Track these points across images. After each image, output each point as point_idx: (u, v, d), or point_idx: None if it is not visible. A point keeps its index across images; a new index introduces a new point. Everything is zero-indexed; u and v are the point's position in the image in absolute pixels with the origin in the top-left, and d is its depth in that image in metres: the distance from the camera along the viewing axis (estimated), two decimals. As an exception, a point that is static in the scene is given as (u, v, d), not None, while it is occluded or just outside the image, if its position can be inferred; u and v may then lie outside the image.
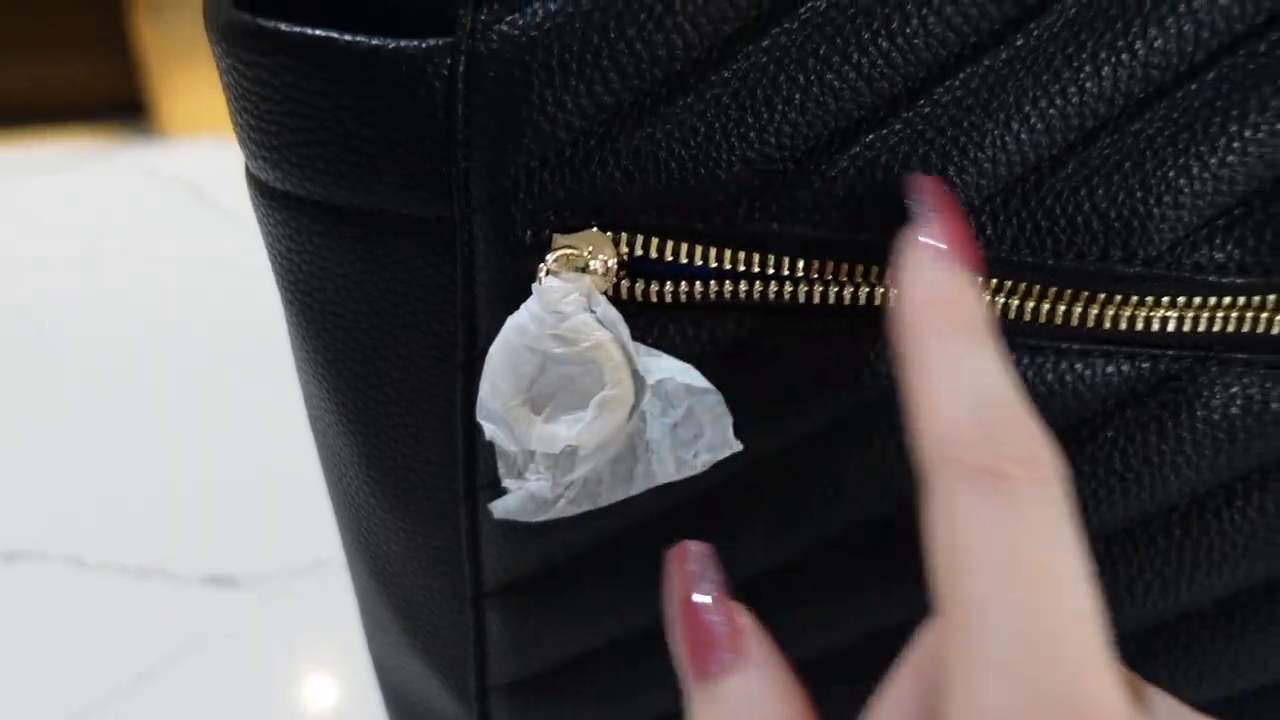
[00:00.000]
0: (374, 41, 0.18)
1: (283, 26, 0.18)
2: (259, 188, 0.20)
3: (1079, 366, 0.17)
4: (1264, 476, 0.18)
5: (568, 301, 0.17)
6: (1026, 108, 0.16)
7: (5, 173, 0.61)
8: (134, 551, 0.39)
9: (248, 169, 0.21)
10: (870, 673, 0.21)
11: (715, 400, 0.17)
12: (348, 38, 0.18)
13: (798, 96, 0.17)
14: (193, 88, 1.29)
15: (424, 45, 0.17)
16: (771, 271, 0.18)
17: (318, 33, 0.18)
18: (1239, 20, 0.16)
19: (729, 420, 0.17)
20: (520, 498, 0.19)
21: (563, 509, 0.19)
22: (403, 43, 0.17)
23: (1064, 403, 0.18)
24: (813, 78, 0.17)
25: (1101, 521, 0.18)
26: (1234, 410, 0.17)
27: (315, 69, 0.18)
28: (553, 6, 0.17)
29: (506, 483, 0.19)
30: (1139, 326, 0.17)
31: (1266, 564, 0.18)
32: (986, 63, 0.16)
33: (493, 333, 0.19)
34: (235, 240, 0.49)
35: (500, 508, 0.19)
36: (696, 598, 0.17)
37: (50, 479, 0.42)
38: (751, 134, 0.17)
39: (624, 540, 0.20)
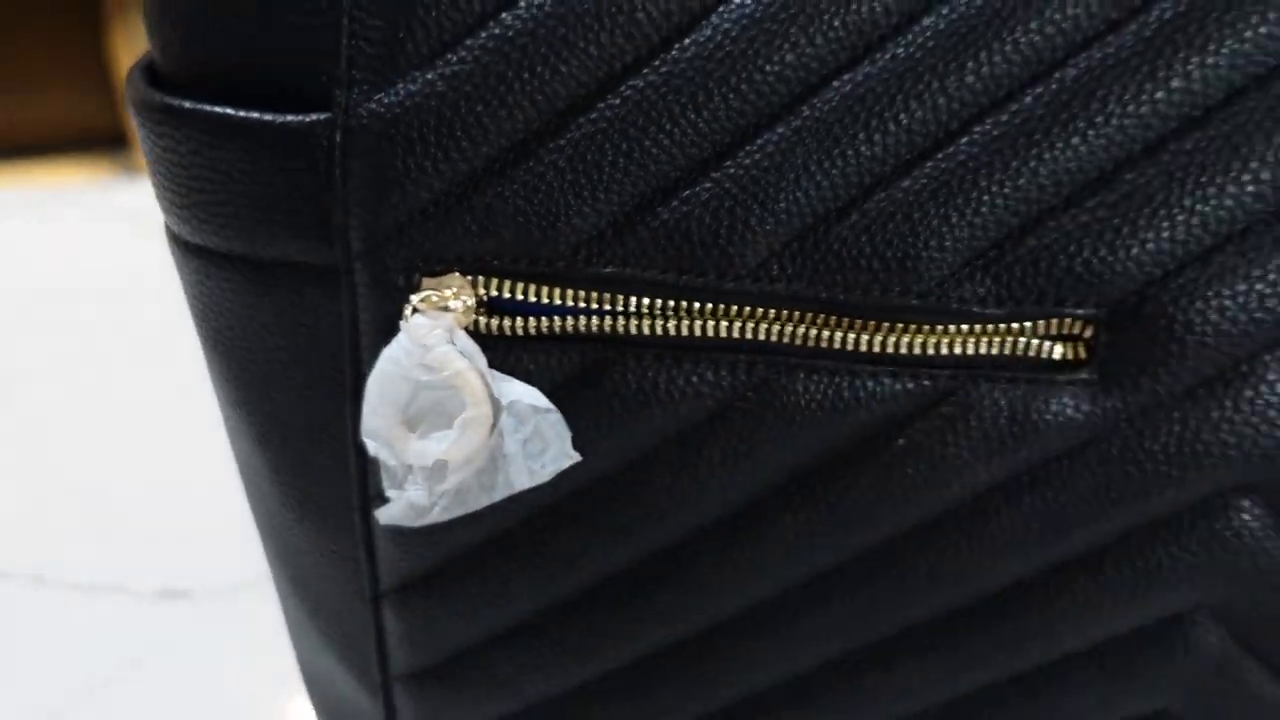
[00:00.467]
0: (265, 117, 0.21)
1: (187, 104, 0.21)
2: (174, 239, 0.23)
3: (870, 384, 0.20)
4: (1032, 479, 0.21)
5: (432, 336, 0.20)
6: (813, 168, 0.19)
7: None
8: (92, 569, 0.41)
9: (165, 223, 0.24)
10: (712, 665, 0.24)
11: (556, 418, 0.20)
12: (242, 114, 0.21)
13: (622, 160, 0.20)
14: None
15: (307, 120, 0.20)
16: (608, 308, 0.21)
17: (217, 109, 0.21)
18: (984, 95, 0.19)
19: (568, 435, 0.20)
20: (402, 506, 0.22)
21: (438, 515, 0.22)
22: (289, 118, 0.20)
23: (861, 416, 0.21)
24: (634, 144, 0.20)
25: (900, 519, 0.21)
26: (1001, 421, 0.20)
27: (215, 140, 0.21)
28: (413, 88, 0.20)
29: (390, 493, 0.22)
30: (918, 350, 0.20)
31: (1029, 559, 0.21)
32: (780, 130, 0.19)
33: (374, 364, 0.21)
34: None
35: (385, 515, 0.22)
36: None
37: (12, 504, 0.44)
38: (585, 192, 0.20)
39: (500, 541, 0.23)
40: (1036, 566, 0.22)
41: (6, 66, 1.79)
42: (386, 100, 0.20)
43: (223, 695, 0.37)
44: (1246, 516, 0.21)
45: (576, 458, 0.21)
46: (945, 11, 0.19)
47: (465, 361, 0.20)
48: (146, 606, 0.40)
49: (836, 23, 0.19)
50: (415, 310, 0.21)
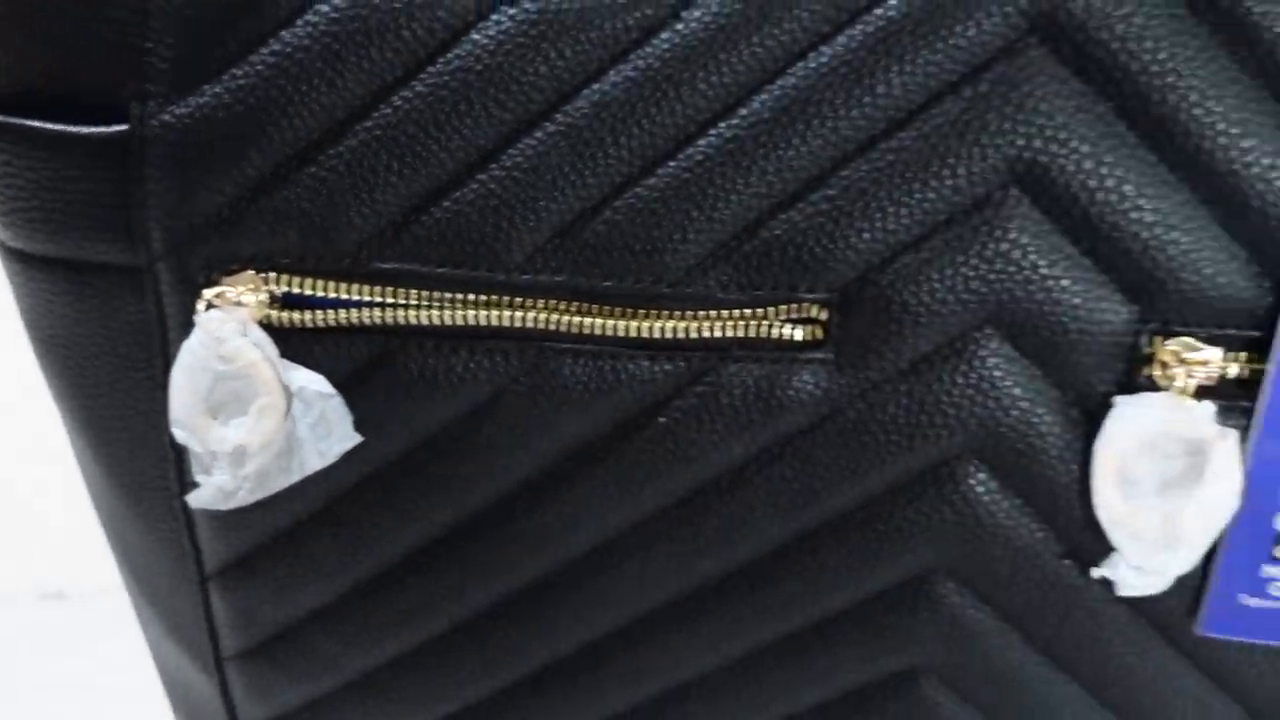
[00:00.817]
0: (70, 129, 0.22)
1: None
2: (0, 246, 0.25)
3: (631, 367, 0.22)
4: (780, 451, 0.23)
5: (225, 329, 0.22)
6: (568, 170, 0.21)
7: None
8: None
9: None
10: (510, 634, 0.26)
11: (338, 403, 0.22)
12: (49, 126, 0.22)
13: (396, 164, 0.22)
14: None
15: (107, 131, 0.22)
16: (390, 301, 0.22)
17: (25, 123, 0.23)
18: (717, 101, 0.21)
19: (349, 418, 0.22)
20: (210, 490, 0.24)
21: (244, 498, 0.23)
22: (91, 129, 0.22)
23: (625, 396, 0.23)
24: (405, 150, 0.22)
25: (666, 492, 0.23)
26: (750, 397, 0.22)
27: (26, 151, 0.23)
28: (203, 101, 0.22)
29: (199, 478, 0.24)
30: (670, 334, 0.22)
31: (784, 526, 0.23)
32: (537, 135, 0.21)
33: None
34: None
35: (195, 499, 0.24)
36: None
37: None
38: (363, 194, 0.22)
39: (309, 523, 0.25)
40: (793, 533, 0.24)
41: None
42: (178, 112, 0.22)
43: (101, 698, 0.38)
44: (973, 481, 0.23)
45: (358, 439, 0.22)
46: (680, 28, 0.21)
47: (258, 352, 0.22)
48: (24, 608, 0.41)
49: (583, 38, 0.21)
50: (210, 305, 0.22)
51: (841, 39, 0.21)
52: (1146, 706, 0.26)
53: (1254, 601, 0.24)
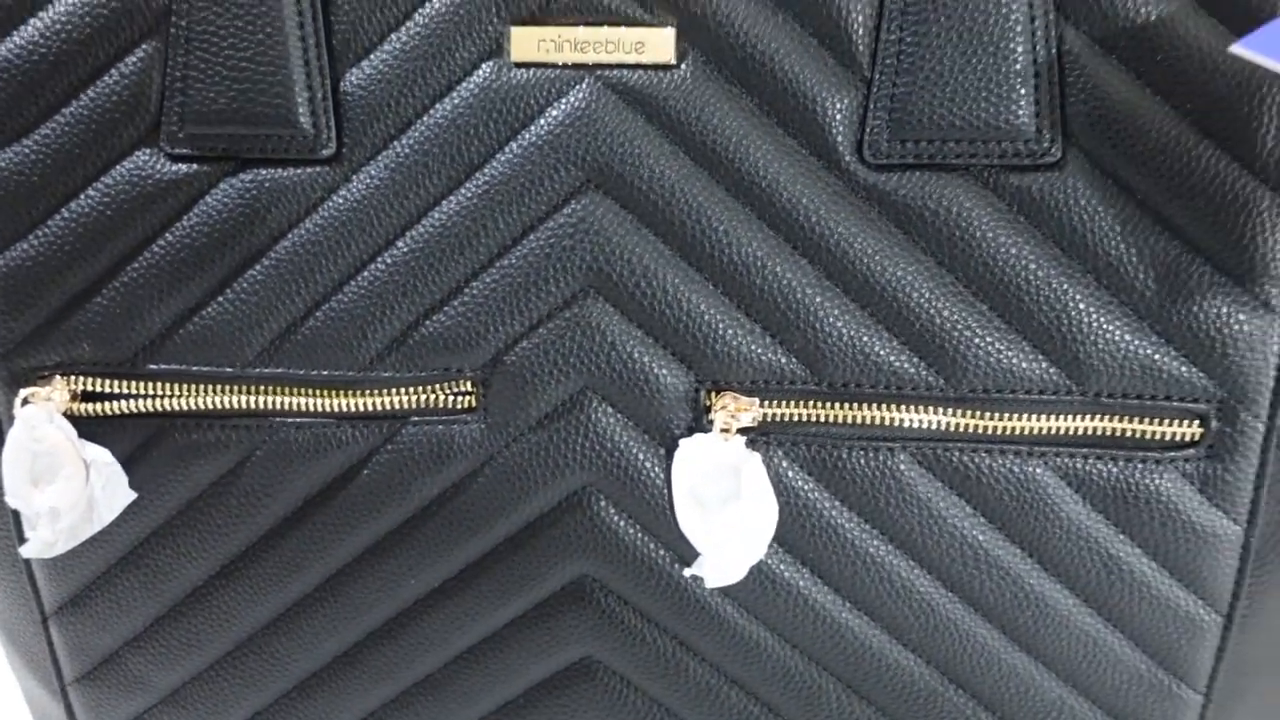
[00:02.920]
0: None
1: None
2: None
3: (339, 433, 0.31)
4: (451, 492, 0.31)
5: (37, 419, 0.31)
6: (280, 295, 0.30)
7: None
8: None
9: None
10: (280, 645, 0.33)
11: (117, 469, 0.31)
12: None
13: (155, 293, 0.30)
14: None
15: None
16: (160, 393, 0.31)
17: None
18: (364, 254, 0.30)
19: (124, 480, 0.31)
20: (36, 543, 0.32)
21: (61, 547, 0.32)
22: None
23: (337, 456, 0.31)
24: (161, 283, 0.30)
25: (371, 530, 0.32)
26: (427, 453, 0.31)
27: None
28: (15, 254, 0.30)
29: (28, 533, 0.32)
30: (363, 408, 0.31)
31: (454, 556, 0.31)
32: (255, 269, 0.30)
33: None
34: None
35: (25, 550, 0.32)
36: None
37: None
38: (134, 315, 0.31)
39: (118, 566, 0.33)
40: (474, 554, 0.32)
41: None
42: (2, 259, 0.31)
43: None
44: (598, 508, 0.31)
45: (133, 495, 0.31)
46: (345, 192, 0.30)
47: (61, 435, 0.31)
48: None
49: (286, 201, 0.30)
50: (26, 402, 0.31)
51: (463, 191, 0.30)
52: (787, 698, 0.33)
53: None
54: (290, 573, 0.33)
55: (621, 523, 0.31)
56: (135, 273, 0.30)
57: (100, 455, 0.31)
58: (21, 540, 0.33)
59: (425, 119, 0.30)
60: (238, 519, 0.32)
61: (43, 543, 0.32)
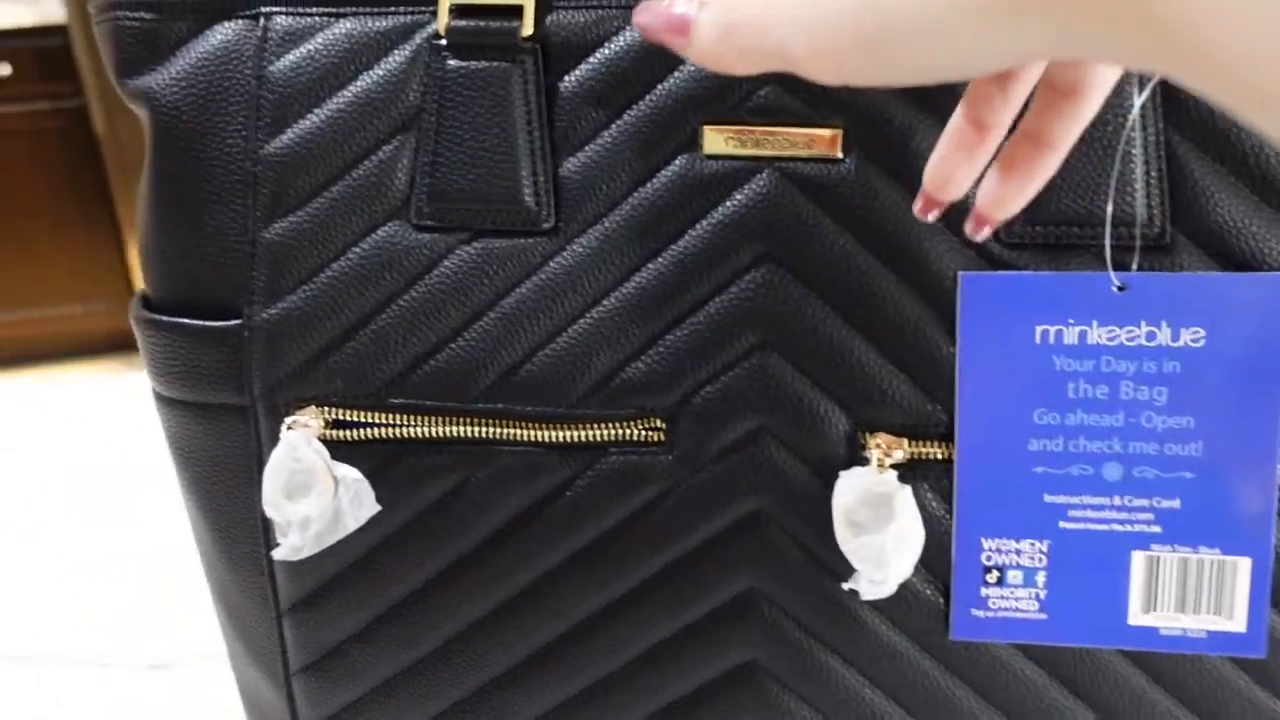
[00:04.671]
0: (205, 323, 0.38)
1: (161, 318, 0.39)
2: (155, 395, 0.41)
3: (546, 461, 0.37)
4: (643, 512, 0.37)
5: (298, 442, 0.37)
6: (504, 340, 0.37)
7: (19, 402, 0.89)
8: (96, 647, 0.59)
9: (151, 386, 0.42)
10: (484, 643, 0.40)
11: (366, 485, 0.37)
12: (192, 322, 0.38)
13: (400, 339, 0.37)
14: None
15: (228, 324, 0.38)
16: (399, 422, 0.38)
17: (178, 320, 0.39)
18: (574, 310, 0.36)
19: (372, 494, 0.37)
20: (286, 547, 0.39)
21: (308, 551, 0.38)
22: (218, 323, 0.38)
23: (543, 481, 0.37)
24: (405, 331, 0.37)
25: (573, 545, 0.38)
26: (622, 479, 0.37)
27: (178, 337, 0.39)
28: (286, 305, 0.37)
29: (279, 540, 0.39)
30: (568, 440, 0.37)
31: (650, 563, 0.38)
32: (484, 320, 0.37)
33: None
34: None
35: (277, 554, 0.39)
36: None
37: (31, 598, 0.63)
38: (382, 357, 0.37)
39: (351, 571, 0.40)
40: (656, 569, 0.38)
41: (41, 284, 2.66)
42: (270, 313, 0.38)
43: None
44: (769, 529, 0.37)
45: (378, 508, 0.37)
46: (566, 253, 0.36)
47: (317, 456, 0.37)
48: (140, 676, 0.56)
49: (505, 263, 0.37)
50: (289, 428, 0.38)
51: (660, 259, 0.36)
52: (922, 703, 0.39)
53: (981, 614, 0.37)
54: (497, 581, 0.39)
55: (787, 542, 0.37)
56: (384, 322, 0.37)
57: (350, 473, 0.38)
58: (270, 545, 0.40)
59: (630, 199, 0.36)
60: (456, 532, 0.39)
61: (292, 547, 0.39)
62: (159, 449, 0.61)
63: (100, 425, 0.82)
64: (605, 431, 0.37)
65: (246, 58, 0.38)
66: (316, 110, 0.38)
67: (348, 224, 0.38)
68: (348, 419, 0.38)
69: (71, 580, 0.65)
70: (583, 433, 0.37)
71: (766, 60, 0.26)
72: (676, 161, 0.36)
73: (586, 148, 0.37)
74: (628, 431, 0.37)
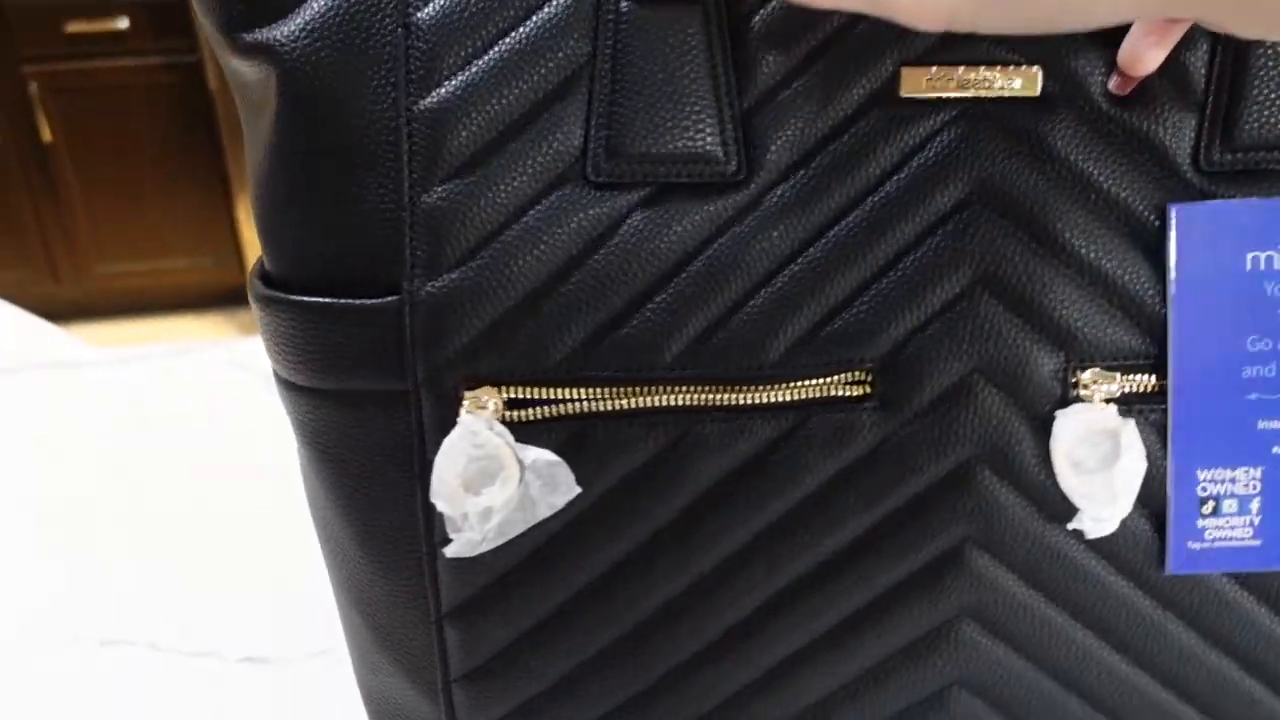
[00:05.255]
0: (355, 302, 0.35)
1: (293, 297, 0.35)
2: (281, 382, 0.37)
3: (748, 425, 0.35)
4: (853, 469, 0.36)
5: (478, 426, 0.34)
6: (696, 301, 0.35)
7: (119, 362, 0.88)
8: (193, 637, 0.57)
9: (273, 370, 0.37)
10: (664, 636, 0.38)
11: (565, 468, 0.34)
12: (339, 301, 0.35)
13: (583, 309, 0.34)
14: None
15: (382, 301, 0.34)
16: (582, 396, 0.35)
17: (315, 299, 0.35)
18: (777, 259, 0.35)
19: (570, 477, 0.35)
20: (461, 543, 0.35)
21: (487, 545, 0.35)
22: (368, 301, 0.35)
23: (744, 446, 0.35)
24: (590, 298, 0.34)
25: (782, 506, 0.36)
26: (830, 436, 0.36)
27: (316, 319, 0.35)
28: (452, 277, 0.34)
29: (451, 535, 0.36)
30: (772, 400, 0.35)
31: (862, 520, 0.36)
32: (672, 285, 0.34)
33: (433, 451, 0.35)
34: (283, 414, 0.71)
35: (451, 550, 0.36)
36: None
37: (134, 583, 0.61)
38: (562, 331, 0.35)
39: (526, 564, 0.37)
40: (865, 528, 0.36)
41: (152, 237, 2.76)
42: (436, 286, 0.34)
43: None
44: (981, 478, 0.36)
45: (577, 490, 0.35)
46: (766, 203, 0.35)
47: (500, 440, 0.34)
48: (234, 669, 0.55)
49: (695, 215, 0.34)
50: (467, 412, 0.35)
51: (863, 207, 0.35)
52: (1135, 641, 0.39)
53: (1196, 546, 0.37)
54: (693, 558, 0.37)
55: (1001, 488, 0.36)
56: (564, 290, 0.35)
57: (541, 456, 0.35)
58: (435, 543, 0.37)
59: (826, 147, 0.35)
60: (649, 510, 0.36)
61: (468, 543, 0.36)
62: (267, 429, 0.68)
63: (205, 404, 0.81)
64: (808, 389, 0.36)
65: (388, 4, 0.34)
66: (474, 61, 0.34)
67: (517, 185, 0.35)
68: (527, 397, 0.35)
69: (172, 565, 0.63)
70: (785, 393, 0.35)
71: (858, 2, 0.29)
72: (872, 104, 0.35)
73: (779, 95, 0.35)
74: (832, 387, 0.36)
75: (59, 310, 2.31)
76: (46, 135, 2.58)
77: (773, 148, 0.35)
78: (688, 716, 0.40)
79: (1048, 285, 0.35)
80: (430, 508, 0.37)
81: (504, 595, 0.38)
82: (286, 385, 0.38)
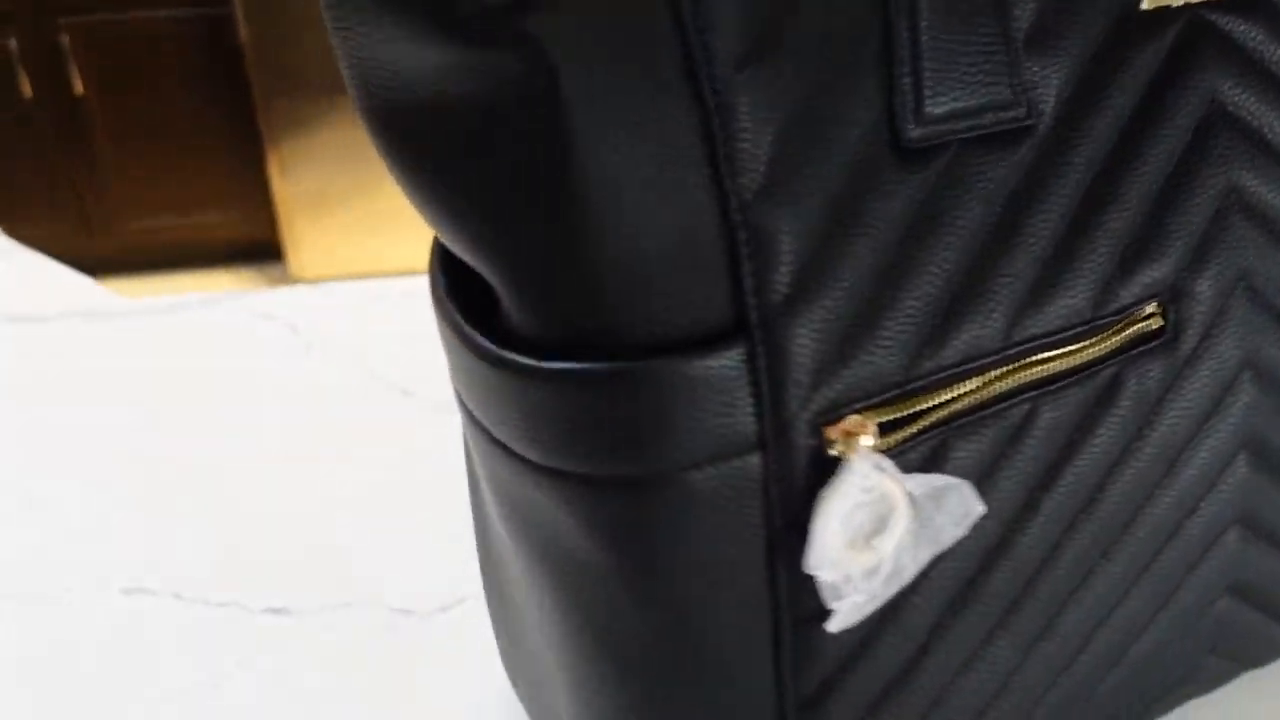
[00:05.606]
0: (686, 361, 0.27)
1: (584, 366, 0.27)
2: (529, 466, 0.29)
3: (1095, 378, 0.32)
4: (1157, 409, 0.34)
5: (864, 466, 0.28)
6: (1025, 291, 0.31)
7: (150, 312, 0.87)
8: (216, 588, 0.56)
9: (506, 451, 0.28)
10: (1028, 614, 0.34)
11: (964, 486, 0.29)
12: (649, 362, 0.26)
13: (920, 303, 0.29)
14: (319, 235, 2.54)
15: (729, 355, 0.27)
16: (942, 401, 0.30)
17: (618, 364, 0.26)
18: (1071, 213, 0.32)
19: (971, 493, 0.30)
20: (847, 610, 0.29)
21: (877, 602, 0.29)
22: (711, 361, 0.27)
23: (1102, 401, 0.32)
24: (930, 289, 0.29)
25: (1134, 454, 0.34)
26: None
27: (659, 387, 0.26)
28: (804, 300, 0.27)
29: (833, 605, 0.29)
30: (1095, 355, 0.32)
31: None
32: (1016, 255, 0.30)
33: (787, 511, 0.28)
34: (310, 365, 0.79)
35: (836, 623, 0.29)
36: None
37: (159, 532, 0.61)
38: (914, 327, 0.29)
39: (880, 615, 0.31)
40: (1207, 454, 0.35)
41: (184, 192, 2.74)
42: (784, 315, 0.27)
43: (307, 699, 0.50)
44: (1245, 385, 0.36)
45: (982, 509, 0.30)
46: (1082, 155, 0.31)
47: (887, 476, 0.29)
48: (257, 619, 0.55)
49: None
50: (843, 451, 0.28)
51: (1130, 131, 0.33)
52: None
53: None
54: (1057, 525, 0.33)
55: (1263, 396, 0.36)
56: (904, 284, 0.29)
57: (927, 481, 0.29)
58: (797, 621, 0.30)
59: (1089, 76, 0.32)
60: (1007, 496, 0.32)
61: (855, 607, 0.29)
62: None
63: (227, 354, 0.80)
64: (1124, 333, 0.33)
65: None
66: (778, 47, 0.27)
67: (838, 179, 0.28)
68: (895, 417, 0.29)
69: (197, 516, 0.62)
70: (1107, 342, 0.33)
71: None
72: (1120, 25, 0.32)
73: (1042, 26, 0.31)
74: (1141, 324, 0.33)
75: (90, 264, 2.11)
76: (78, 88, 2.62)
77: (1041, 85, 0.32)
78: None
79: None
80: (784, 583, 0.30)
81: (865, 661, 0.32)
82: (528, 466, 0.28)
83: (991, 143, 0.31)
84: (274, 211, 2.80)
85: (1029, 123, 0.31)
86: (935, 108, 0.29)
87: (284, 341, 0.80)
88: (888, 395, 0.30)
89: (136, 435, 0.70)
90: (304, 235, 2.84)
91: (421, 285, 0.86)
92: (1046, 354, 0.32)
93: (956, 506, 0.30)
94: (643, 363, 0.27)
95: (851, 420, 0.29)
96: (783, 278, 0.28)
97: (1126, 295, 0.33)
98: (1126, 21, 0.33)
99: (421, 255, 2.87)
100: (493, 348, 0.28)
